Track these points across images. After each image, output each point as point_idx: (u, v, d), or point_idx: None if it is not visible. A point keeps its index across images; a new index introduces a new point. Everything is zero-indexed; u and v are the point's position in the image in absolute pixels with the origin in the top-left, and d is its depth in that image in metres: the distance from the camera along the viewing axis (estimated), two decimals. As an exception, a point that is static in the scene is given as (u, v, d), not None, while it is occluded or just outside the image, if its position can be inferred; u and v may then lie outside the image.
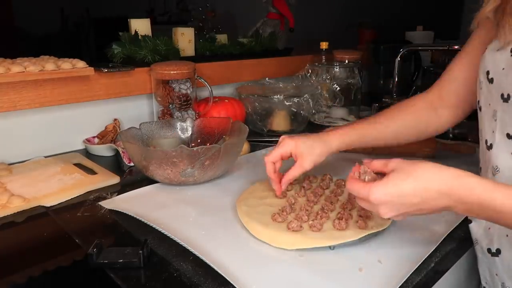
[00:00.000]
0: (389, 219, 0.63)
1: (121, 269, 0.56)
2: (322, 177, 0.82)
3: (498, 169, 0.61)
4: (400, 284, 0.53)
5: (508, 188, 0.48)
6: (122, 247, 0.59)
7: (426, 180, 0.49)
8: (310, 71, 1.38)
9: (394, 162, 0.53)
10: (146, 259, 0.57)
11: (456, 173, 0.49)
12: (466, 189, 0.48)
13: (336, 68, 1.38)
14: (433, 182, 0.49)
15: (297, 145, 0.73)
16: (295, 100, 1.20)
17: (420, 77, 1.62)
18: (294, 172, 0.73)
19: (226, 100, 1.21)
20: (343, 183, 0.78)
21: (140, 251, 0.57)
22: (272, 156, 0.73)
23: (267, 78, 1.38)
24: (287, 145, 0.73)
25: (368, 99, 1.52)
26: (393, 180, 0.51)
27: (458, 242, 0.65)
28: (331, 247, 0.60)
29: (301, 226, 0.63)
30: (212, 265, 0.56)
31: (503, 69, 0.58)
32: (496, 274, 0.65)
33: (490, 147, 0.62)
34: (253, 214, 0.68)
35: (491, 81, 0.61)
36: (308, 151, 0.73)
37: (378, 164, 0.56)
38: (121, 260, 0.57)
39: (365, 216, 0.65)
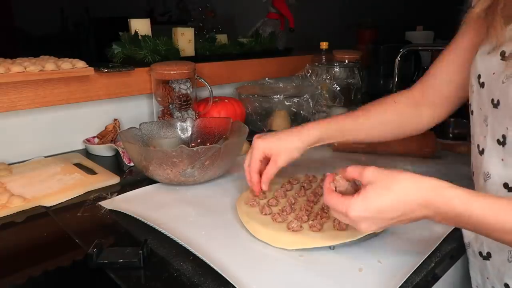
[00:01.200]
0: None
1: (121, 269, 0.56)
2: (322, 177, 0.82)
3: (489, 175, 0.60)
4: (400, 284, 0.53)
5: (486, 198, 0.47)
6: (122, 247, 0.59)
7: (405, 193, 0.49)
8: (310, 71, 1.38)
9: (370, 172, 0.52)
10: (146, 259, 0.57)
11: (433, 184, 0.49)
12: (443, 200, 0.48)
13: (336, 68, 1.38)
14: (411, 195, 0.49)
15: (268, 145, 0.72)
16: (295, 100, 1.20)
17: (420, 77, 1.62)
18: (269, 171, 0.72)
19: (226, 100, 1.21)
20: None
21: (140, 251, 0.57)
22: (252, 166, 0.73)
23: (267, 78, 1.38)
24: (258, 148, 0.73)
25: (368, 99, 1.52)
26: (372, 196, 0.50)
27: (458, 242, 0.65)
28: (331, 247, 0.60)
29: (301, 226, 0.62)
30: (212, 265, 0.56)
31: (493, 73, 0.57)
32: (487, 278, 0.64)
33: (481, 152, 0.62)
34: (253, 214, 0.68)
35: (482, 85, 0.60)
36: (282, 147, 0.72)
37: (353, 172, 0.54)
38: (121, 260, 0.57)
39: None
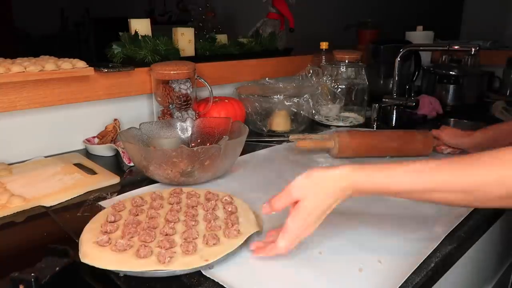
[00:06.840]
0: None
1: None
2: (205, 195, 0.73)
3: None
4: (400, 284, 0.53)
5: (383, 171, 0.53)
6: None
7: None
8: (310, 71, 1.38)
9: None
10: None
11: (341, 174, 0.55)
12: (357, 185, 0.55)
13: (343, 68, 1.38)
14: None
15: None
16: (295, 100, 1.20)
17: (420, 77, 1.62)
18: None
19: (226, 100, 1.21)
20: (225, 199, 0.71)
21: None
22: None
23: (267, 78, 1.38)
24: None
25: (368, 99, 1.52)
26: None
27: (458, 242, 0.65)
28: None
29: (127, 247, 0.56)
30: (205, 273, 0.56)
31: None
32: None
33: None
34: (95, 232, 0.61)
35: None
36: None
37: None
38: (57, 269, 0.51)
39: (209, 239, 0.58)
